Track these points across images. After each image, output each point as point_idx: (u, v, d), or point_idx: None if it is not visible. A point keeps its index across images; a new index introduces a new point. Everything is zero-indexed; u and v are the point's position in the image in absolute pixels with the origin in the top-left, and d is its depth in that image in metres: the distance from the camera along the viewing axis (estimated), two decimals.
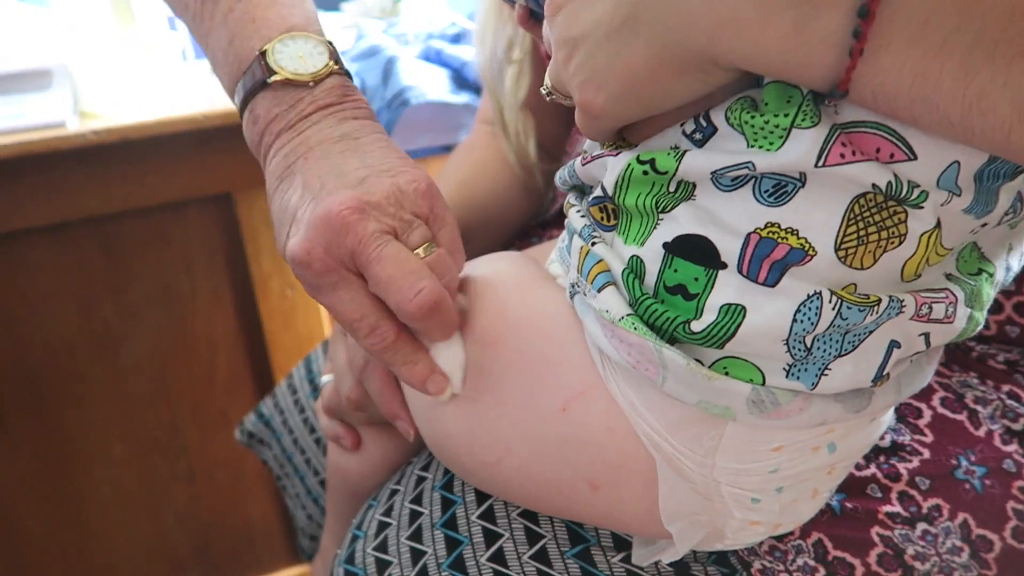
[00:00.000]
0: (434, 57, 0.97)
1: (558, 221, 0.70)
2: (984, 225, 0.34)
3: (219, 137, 0.89)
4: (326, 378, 0.60)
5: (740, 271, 0.33)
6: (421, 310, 0.38)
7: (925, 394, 0.47)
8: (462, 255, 0.44)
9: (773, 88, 0.32)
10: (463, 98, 0.91)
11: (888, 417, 0.42)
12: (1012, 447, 0.44)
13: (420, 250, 0.40)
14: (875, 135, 0.31)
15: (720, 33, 0.30)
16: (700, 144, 0.34)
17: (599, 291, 0.37)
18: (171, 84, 0.91)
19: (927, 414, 0.46)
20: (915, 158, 0.31)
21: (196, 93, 0.91)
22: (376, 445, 0.58)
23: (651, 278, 0.36)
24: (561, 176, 0.43)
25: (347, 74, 0.45)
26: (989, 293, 0.37)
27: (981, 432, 0.45)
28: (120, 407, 1.00)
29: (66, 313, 0.94)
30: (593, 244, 0.39)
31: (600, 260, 0.38)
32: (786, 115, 0.31)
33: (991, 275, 0.37)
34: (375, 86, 0.91)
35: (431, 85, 0.90)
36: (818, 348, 0.34)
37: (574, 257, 0.40)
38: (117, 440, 1.02)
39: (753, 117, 0.32)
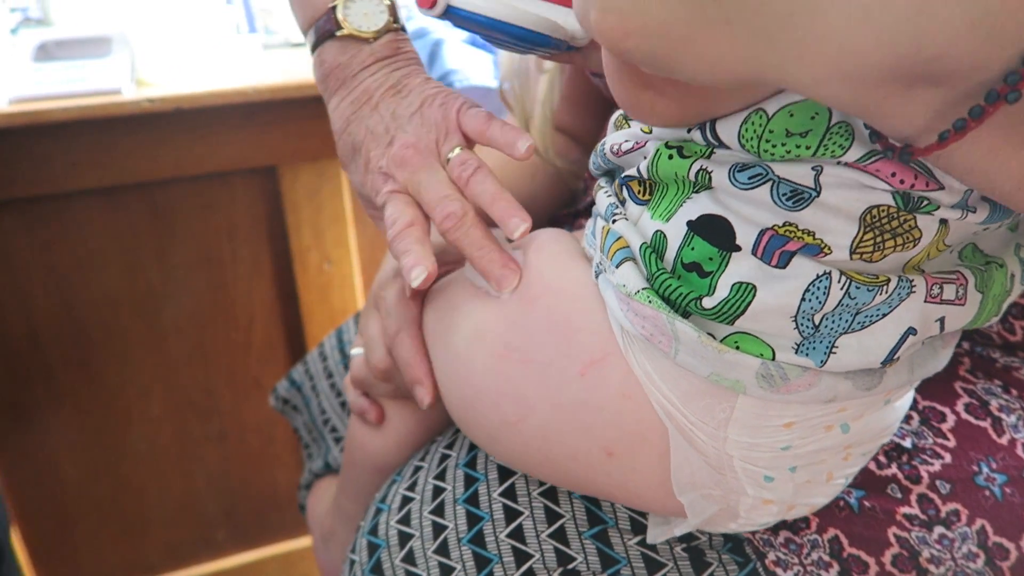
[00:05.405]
0: (480, 42, 0.97)
1: (589, 212, 0.70)
2: (986, 229, 0.35)
3: (267, 111, 0.91)
4: (356, 351, 0.61)
5: (754, 254, 0.34)
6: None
7: (950, 399, 0.47)
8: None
9: (800, 108, 0.31)
10: None
11: (905, 403, 0.42)
12: None
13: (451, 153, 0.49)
14: (905, 167, 0.31)
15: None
16: (707, 156, 0.35)
17: (617, 266, 0.38)
18: (224, 57, 0.93)
19: (951, 419, 0.46)
20: (943, 188, 0.31)
21: (248, 66, 0.93)
22: (400, 420, 0.59)
23: (671, 253, 0.37)
24: (595, 162, 0.44)
25: (402, 29, 0.53)
26: (1003, 282, 0.37)
27: (1004, 440, 0.45)
28: (160, 366, 1.03)
29: (113, 273, 0.97)
30: (614, 222, 0.40)
31: (620, 237, 0.39)
32: (808, 147, 0.31)
33: (1001, 265, 0.37)
34: None
35: (475, 70, 0.91)
36: (826, 326, 0.35)
37: (597, 237, 0.42)
38: (155, 397, 1.05)
39: (771, 137, 0.32)
